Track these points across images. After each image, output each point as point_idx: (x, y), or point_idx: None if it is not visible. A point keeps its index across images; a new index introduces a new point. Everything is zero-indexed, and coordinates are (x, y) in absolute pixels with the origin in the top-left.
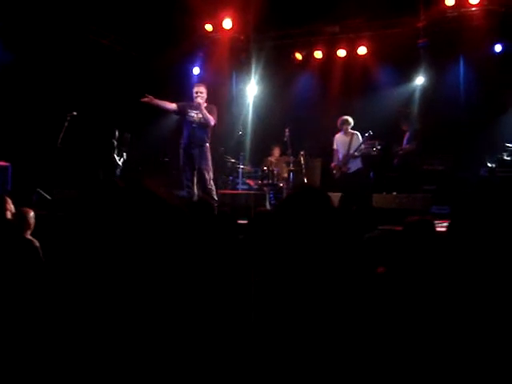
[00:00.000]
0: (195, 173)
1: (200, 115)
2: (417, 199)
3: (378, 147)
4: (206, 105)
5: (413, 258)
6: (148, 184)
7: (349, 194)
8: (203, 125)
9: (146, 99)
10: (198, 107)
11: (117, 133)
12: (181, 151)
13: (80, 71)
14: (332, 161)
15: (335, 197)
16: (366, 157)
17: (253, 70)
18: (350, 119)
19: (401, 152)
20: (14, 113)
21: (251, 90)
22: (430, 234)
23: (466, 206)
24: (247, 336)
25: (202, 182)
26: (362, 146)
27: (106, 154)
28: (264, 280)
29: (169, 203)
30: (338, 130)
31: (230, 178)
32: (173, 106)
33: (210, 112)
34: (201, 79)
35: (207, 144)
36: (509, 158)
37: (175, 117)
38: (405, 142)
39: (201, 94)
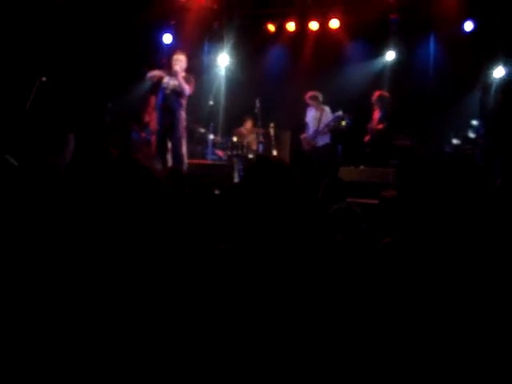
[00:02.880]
0: (167, 140)
1: (175, 82)
2: (382, 173)
3: (347, 121)
4: (184, 74)
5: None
6: (138, 158)
7: (317, 167)
8: (177, 92)
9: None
10: (174, 75)
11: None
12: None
13: (50, 36)
14: (303, 132)
15: None
16: (334, 131)
17: (225, 40)
18: (318, 94)
19: (373, 131)
20: None
21: (223, 59)
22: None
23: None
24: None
25: (174, 150)
26: (331, 123)
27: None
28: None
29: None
30: (308, 105)
31: (199, 147)
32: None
33: (188, 81)
34: (172, 47)
35: (181, 112)
36: (473, 136)
37: (148, 84)
38: (376, 121)
39: (180, 62)
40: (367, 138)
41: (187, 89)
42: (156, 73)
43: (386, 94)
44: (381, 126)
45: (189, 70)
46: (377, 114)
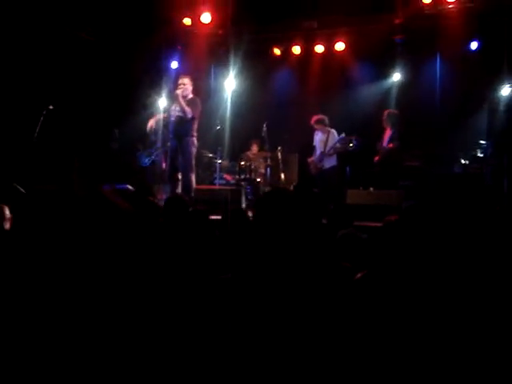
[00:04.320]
0: (177, 166)
1: (178, 107)
2: (390, 195)
3: (355, 143)
4: (191, 96)
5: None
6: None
7: (324, 190)
8: (181, 118)
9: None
10: (175, 98)
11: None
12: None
13: (56, 64)
14: (311, 155)
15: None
16: (342, 153)
17: (231, 65)
18: (323, 117)
19: (383, 151)
20: None
21: (229, 84)
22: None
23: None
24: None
25: (182, 176)
26: (337, 145)
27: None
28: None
29: (120, 208)
30: (315, 129)
31: (207, 172)
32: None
33: (191, 104)
34: (179, 73)
35: (188, 138)
36: (482, 155)
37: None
38: (386, 140)
39: (183, 85)
40: (377, 158)
41: (188, 111)
42: (151, 122)
43: (394, 111)
44: (392, 145)
45: (195, 93)
46: (388, 133)
